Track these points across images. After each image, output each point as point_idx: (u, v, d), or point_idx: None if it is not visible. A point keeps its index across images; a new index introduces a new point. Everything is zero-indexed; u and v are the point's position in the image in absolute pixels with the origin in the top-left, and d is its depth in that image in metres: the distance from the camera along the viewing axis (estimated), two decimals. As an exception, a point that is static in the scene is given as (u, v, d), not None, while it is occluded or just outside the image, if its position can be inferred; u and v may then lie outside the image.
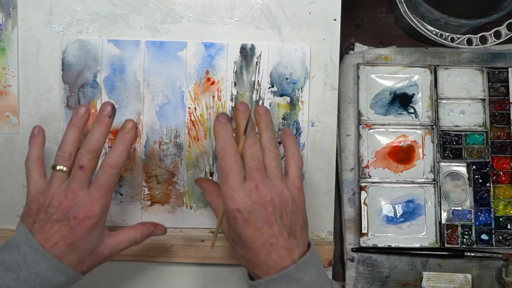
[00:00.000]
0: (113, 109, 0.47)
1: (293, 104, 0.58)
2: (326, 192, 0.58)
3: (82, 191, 0.44)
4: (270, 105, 0.57)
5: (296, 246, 0.45)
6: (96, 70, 0.57)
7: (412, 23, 0.58)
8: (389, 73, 0.61)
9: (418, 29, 0.58)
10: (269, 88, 0.57)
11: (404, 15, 0.58)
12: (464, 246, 0.59)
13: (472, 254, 0.59)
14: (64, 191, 0.44)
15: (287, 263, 0.44)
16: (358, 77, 0.60)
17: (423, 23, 0.59)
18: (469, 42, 0.60)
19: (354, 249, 0.60)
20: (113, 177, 0.45)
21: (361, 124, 0.60)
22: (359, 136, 0.60)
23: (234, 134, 0.48)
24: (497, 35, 0.60)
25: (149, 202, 0.57)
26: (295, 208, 0.46)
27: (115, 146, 0.46)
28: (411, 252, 0.59)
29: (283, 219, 0.45)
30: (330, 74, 0.58)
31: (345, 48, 0.62)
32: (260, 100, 0.57)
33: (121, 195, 0.57)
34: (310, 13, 0.57)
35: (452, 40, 0.59)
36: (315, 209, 0.58)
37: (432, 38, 0.59)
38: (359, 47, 0.62)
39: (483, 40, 0.60)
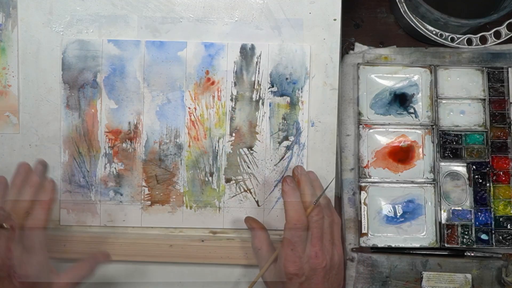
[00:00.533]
0: (44, 167, 0.51)
1: (293, 104, 0.58)
2: (326, 192, 0.58)
3: (17, 250, 0.46)
4: (270, 105, 0.57)
5: None
6: (96, 70, 0.57)
7: (412, 23, 0.58)
8: (389, 73, 0.61)
9: (418, 29, 0.58)
10: (269, 88, 0.57)
11: (404, 15, 0.58)
12: (464, 246, 0.59)
13: (472, 254, 0.59)
14: (4, 249, 0.46)
15: None
16: (358, 77, 0.60)
17: (423, 23, 0.59)
18: (469, 42, 0.60)
19: (354, 249, 0.60)
20: (41, 235, 0.48)
21: (361, 124, 0.60)
22: (359, 136, 0.60)
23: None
24: (497, 35, 0.60)
25: (149, 202, 0.57)
26: (339, 270, 0.51)
27: (36, 209, 0.48)
28: (412, 252, 0.60)
29: (329, 281, 0.50)
30: (330, 74, 0.58)
31: (345, 48, 0.62)
32: (260, 100, 0.57)
33: (121, 195, 0.57)
34: (310, 13, 0.57)
35: (452, 40, 0.59)
36: None
37: (432, 38, 0.59)
38: (359, 47, 0.62)
39: (483, 40, 0.60)
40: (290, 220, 0.49)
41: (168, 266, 0.58)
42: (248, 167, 0.58)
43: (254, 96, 0.57)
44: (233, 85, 0.57)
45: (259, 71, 0.57)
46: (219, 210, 0.58)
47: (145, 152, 0.57)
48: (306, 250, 0.49)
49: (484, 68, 0.61)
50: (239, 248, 0.57)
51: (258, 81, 0.57)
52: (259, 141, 0.58)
